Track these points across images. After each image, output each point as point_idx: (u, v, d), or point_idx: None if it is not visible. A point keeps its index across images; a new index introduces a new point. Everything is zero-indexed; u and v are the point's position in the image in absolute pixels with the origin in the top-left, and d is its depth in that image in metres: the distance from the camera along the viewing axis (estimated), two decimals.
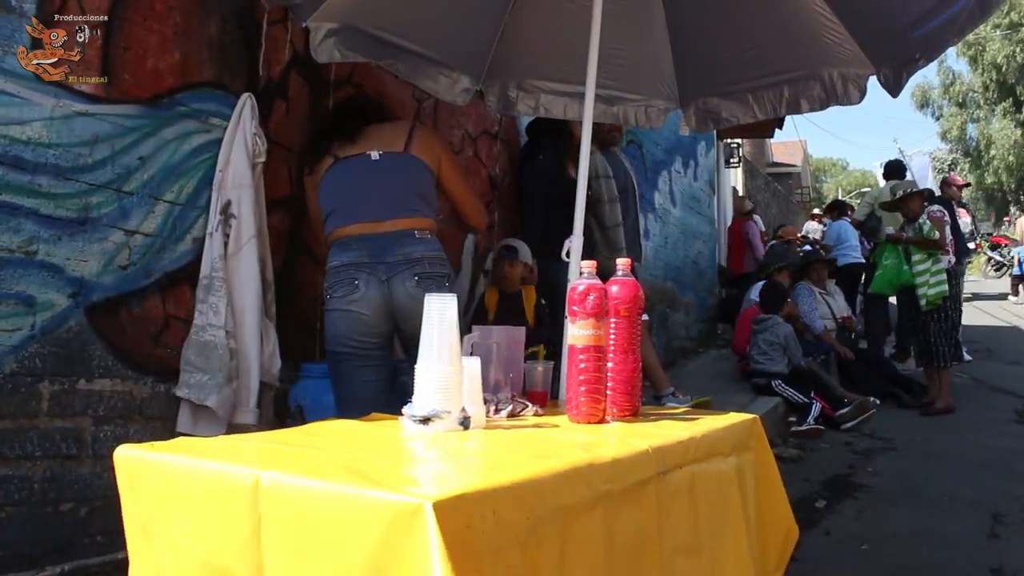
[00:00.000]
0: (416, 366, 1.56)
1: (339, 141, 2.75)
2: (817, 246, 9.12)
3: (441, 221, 2.89)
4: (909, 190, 6.34)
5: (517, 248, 3.93)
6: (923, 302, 5.88)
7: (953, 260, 6.06)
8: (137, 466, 1.27)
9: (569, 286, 1.81)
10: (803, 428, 5.35)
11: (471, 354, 1.74)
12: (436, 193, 2.79)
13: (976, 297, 13.15)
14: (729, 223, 10.65)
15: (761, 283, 6.84)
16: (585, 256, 2.18)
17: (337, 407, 2.62)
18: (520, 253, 3.91)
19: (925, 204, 6.31)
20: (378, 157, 2.68)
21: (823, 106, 3.03)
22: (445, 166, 2.81)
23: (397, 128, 2.80)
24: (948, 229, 6.08)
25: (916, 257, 6.03)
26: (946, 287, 5.86)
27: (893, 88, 2.72)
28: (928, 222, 6.02)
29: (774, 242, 9.11)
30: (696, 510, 1.57)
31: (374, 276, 2.54)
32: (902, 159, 10.09)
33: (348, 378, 2.63)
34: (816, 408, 5.39)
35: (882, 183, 8.77)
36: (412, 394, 1.57)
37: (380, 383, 2.63)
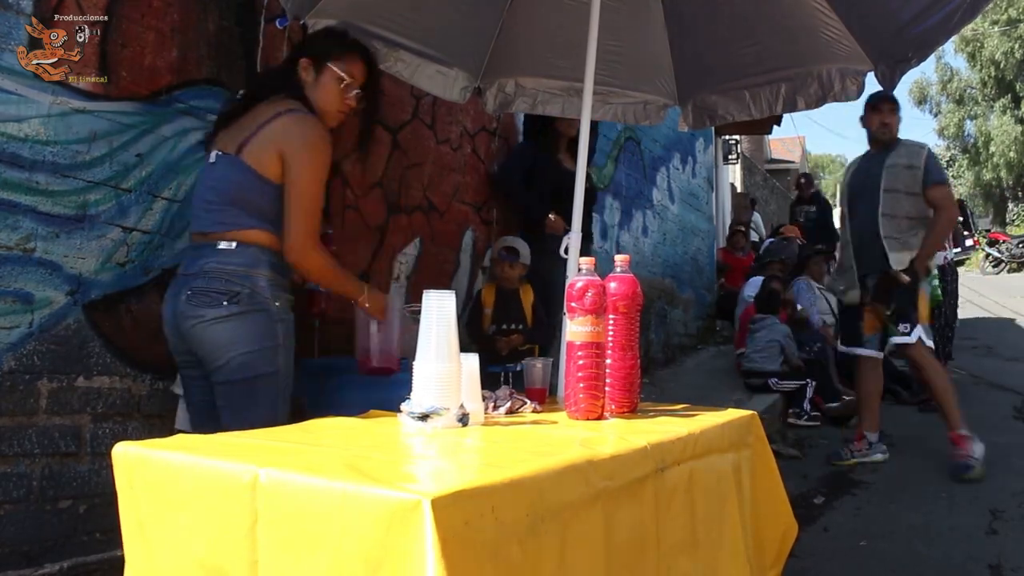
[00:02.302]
0: (415, 363, 1.56)
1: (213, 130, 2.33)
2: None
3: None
4: None
5: (519, 250, 3.95)
6: None
7: (951, 255, 6.06)
8: (135, 463, 1.27)
9: (568, 283, 1.81)
10: (802, 422, 5.36)
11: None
12: (272, 199, 2.15)
13: None
14: (728, 223, 10.61)
15: (756, 279, 6.84)
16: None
17: None
18: (521, 255, 3.93)
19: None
20: (214, 159, 2.21)
21: (820, 103, 3.04)
22: (286, 166, 2.15)
23: (256, 117, 2.19)
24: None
25: None
26: (938, 290, 5.87)
27: (887, 85, 2.73)
28: None
29: (772, 239, 9.10)
30: (694, 506, 1.57)
31: (172, 290, 2.21)
32: None
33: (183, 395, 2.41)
34: (811, 389, 5.44)
35: None
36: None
37: (200, 406, 2.29)
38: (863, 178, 4.32)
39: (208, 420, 2.22)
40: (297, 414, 2.88)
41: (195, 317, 2.10)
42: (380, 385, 2.66)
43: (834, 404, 5.54)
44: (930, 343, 4.21)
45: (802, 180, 10.66)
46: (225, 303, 2.08)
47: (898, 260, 4.09)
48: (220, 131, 2.26)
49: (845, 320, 4.51)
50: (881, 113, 4.23)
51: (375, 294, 2.35)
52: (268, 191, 2.15)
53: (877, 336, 4.29)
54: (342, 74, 2.27)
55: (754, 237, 11.19)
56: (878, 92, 3.79)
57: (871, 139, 4.35)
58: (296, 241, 2.14)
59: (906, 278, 4.05)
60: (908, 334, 4.13)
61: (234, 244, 2.12)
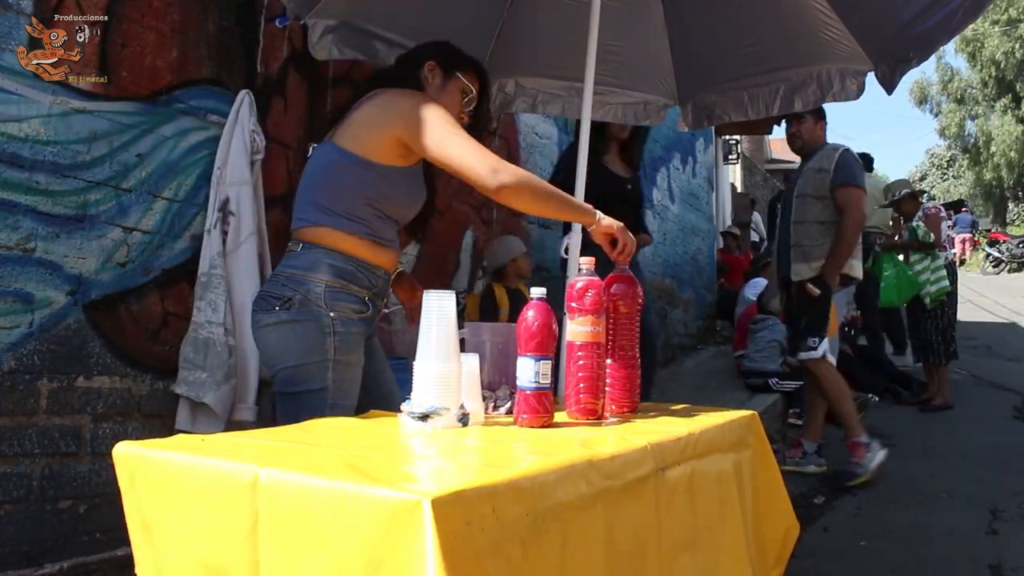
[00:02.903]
0: (414, 363, 1.56)
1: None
2: None
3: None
4: (904, 191, 6.34)
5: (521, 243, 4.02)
6: (927, 301, 5.88)
7: (953, 254, 6.08)
8: (136, 463, 1.27)
9: (568, 283, 1.81)
10: (802, 423, 5.36)
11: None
12: (364, 184, 2.00)
13: None
14: (729, 223, 10.61)
15: (757, 280, 6.84)
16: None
17: None
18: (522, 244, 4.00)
19: (921, 202, 6.33)
20: (311, 152, 2.15)
21: (818, 103, 3.05)
22: (410, 136, 1.96)
23: (358, 104, 2.09)
24: (945, 225, 6.10)
25: (914, 257, 6.03)
26: (947, 283, 5.87)
27: (888, 85, 2.73)
28: (922, 225, 6.03)
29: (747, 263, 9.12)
30: (695, 506, 1.57)
31: None
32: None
33: None
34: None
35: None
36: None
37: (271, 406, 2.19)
38: (788, 187, 4.32)
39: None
40: None
41: (255, 322, 2.01)
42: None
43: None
44: (832, 357, 4.15)
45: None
46: (277, 308, 1.94)
47: (796, 271, 4.01)
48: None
49: (792, 329, 4.38)
50: (789, 123, 4.21)
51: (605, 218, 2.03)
52: (355, 171, 1.98)
53: (836, 339, 4.28)
54: (468, 85, 2.18)
55: (754, 237, 11.21)
56: None
57: (791, 147, 4.35)
58: (483, 181, 1.86)
59: (816, 291, 3.96)
60: (815, 348, 4.05)
61: (299, 246, 2.00)
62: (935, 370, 5.94)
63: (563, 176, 4.36)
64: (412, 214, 2.19)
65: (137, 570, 1.29)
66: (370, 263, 2.01)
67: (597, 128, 4.35)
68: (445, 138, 1.93)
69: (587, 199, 4.36)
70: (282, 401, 1.99)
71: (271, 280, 2.04)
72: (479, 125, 2.28)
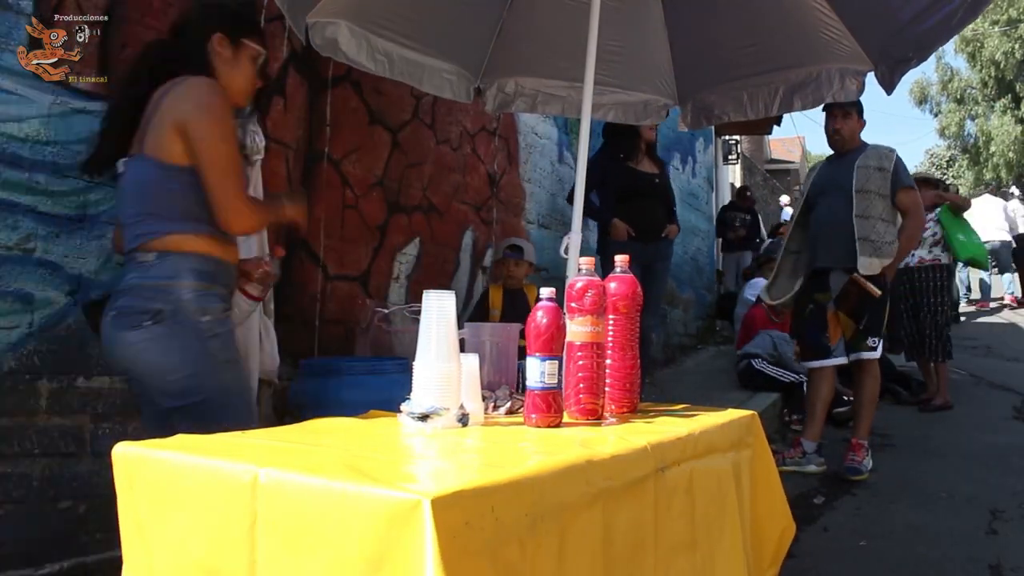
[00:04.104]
0: (414, 363, 1.56)
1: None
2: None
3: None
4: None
5: (523, 248, 3.97)
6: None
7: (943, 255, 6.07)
8: (135, 463, 1.27)
9: (567, 283, 1.81)
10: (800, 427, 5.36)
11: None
12: (183, 187, 1.92)
13: None
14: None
15: (757, 280, 6.83)
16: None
17: None
18: (525, 252, 3.95)
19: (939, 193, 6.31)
20: (123, 168, 2.00)
21: (818, 103, 3.05)
22: (193, 139, 1.90)
23: (154, 105, 1.96)
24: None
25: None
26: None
27: (887, 85, 2.73)
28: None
29: (772, 239, 9.11)
30: (693, 506, 1.57)
31: (105, 310, 1.98)
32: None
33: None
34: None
35: None
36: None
37: (156, 432, 1.86)
38: (828, 179, 4.19)
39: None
40: (297, 414, 2.89)
41: (119, 341, 1.91)
42: (380, 385, 2.67)
43: (842, 409, 5.51)
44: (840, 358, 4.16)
45: (748, 193, 10.75)
46: (147, 323, 1.88)
47: (867, 265, 3.95)
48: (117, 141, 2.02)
49: (806, 333, 4.28)
50: (833, 119, 4.15)
51: (292, 199, 2.19)
52: (177, 178, 1.91)
53: (841, 342, 4.17)
54: (257, 48, 2.10)
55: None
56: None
57: (830, 143, 4.28)
58: (227, 213, 1.92)
59: (877, 291, 3.96)
60: (875, 349, 4.07)
61: (152, 255, 1.91)
62: (935, 369, 5.94)
63: (593, 184, 4.42)
64: None
65: (125, 571, 1.29)
66: (223, 260, 2.00)
67: (630, 131, 4.40)
68: (216, 151, 1.92)
69: (619, 196, 4.48)
70: (188, 416, 1.88)
71: (127, 294, 1.92)
72: (267, 81, 2.25)
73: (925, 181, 6.30)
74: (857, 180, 4.04)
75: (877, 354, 4.10)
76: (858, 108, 4.10)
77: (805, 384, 5.47)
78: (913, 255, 5.95)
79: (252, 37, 2.11)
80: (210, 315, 1.93)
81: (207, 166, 1.90)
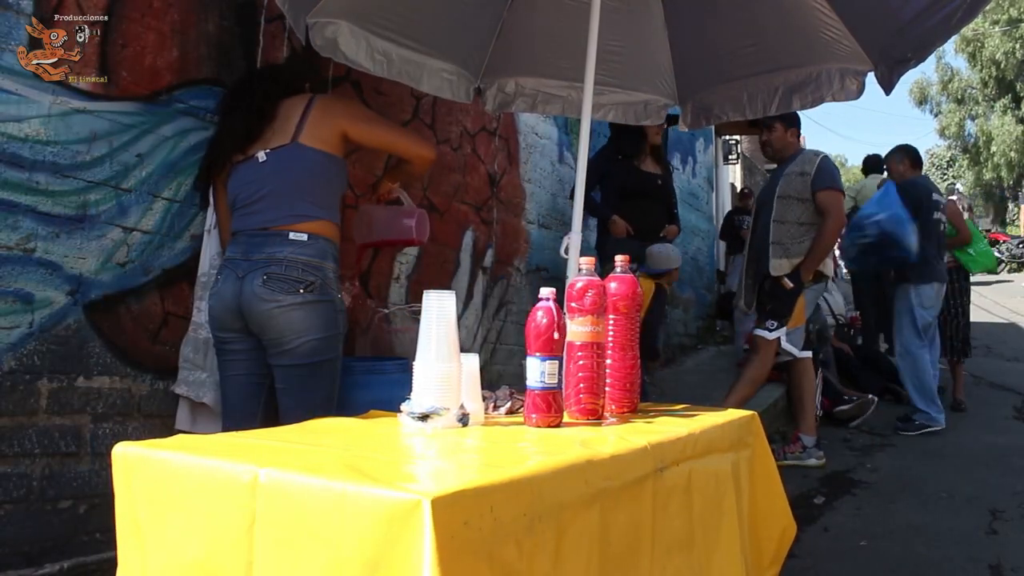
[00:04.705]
0: (414, 363, 1.56)
1: (234, 141, 2.48)
2: None
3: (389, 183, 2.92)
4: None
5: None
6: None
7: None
8: (135, 464, 1.27)
9: (567, 283, 1.82)
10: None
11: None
12: (337, 178, 2.49)
13: None
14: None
15: None
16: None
17: None
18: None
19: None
20: (264, 158, 2.42)
21: (817, 103, 3.05)
22: (354, 130, 2.48)
23: (292, 109, 2.46)
24: (965, 218, 6.15)
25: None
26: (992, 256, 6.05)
27: (886, 85, 2.73)
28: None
29: None
30: (691, 506, 1.57)
31: (234, 272, 2.37)
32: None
33: (220, 371, 2.55)
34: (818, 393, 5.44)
35: (862, 178, 8.81)
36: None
37: (242, 381, 2.46)
38: (766, 190, 4.43)
39: (247, 397, 2.46)
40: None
41: (272, 301, 2.29)
42: (380, 385, 2.67)
43: (845, 407, 5.52)
44: (789, 347, 4.28)
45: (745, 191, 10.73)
46: (301, 291, 2.29)
47: (776, 266, 4.16)
48: (237, 141, 2.46)
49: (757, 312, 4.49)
50: (761, 132, 4.42)
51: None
52: (335, 166, 2.45)
53: (801, 336, 4.36)
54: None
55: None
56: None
57: (763, 154, 4.58)
58: (420, 145, 2.67)
59: (789, 284, 4.14)
60: (771, 331, 4.22)
61: (305, 236, 2.34)
62: (952, 368, 5.98)
63: (594, 180, 4.46)
64: None
65: (120, 572, 1.29)
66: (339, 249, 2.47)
67: (636, 132, 4.43)
68: (384, 124, 2.65)
69: (623, 196, 4.55)
70: (298, 373, 2.34)
71: (281, 264, 2.31)
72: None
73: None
74: (780, 187, 4.27)
75: (770, 336, 4.23)
76: (785, 119, 4.28)
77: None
78: None
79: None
80: (340, 294, 2.43)
81: (385, 132, 2.61)
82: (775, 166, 4.56)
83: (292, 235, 2.34)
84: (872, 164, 8.23)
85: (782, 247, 4.17)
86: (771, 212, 4.23)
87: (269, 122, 2.44)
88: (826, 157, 4.28)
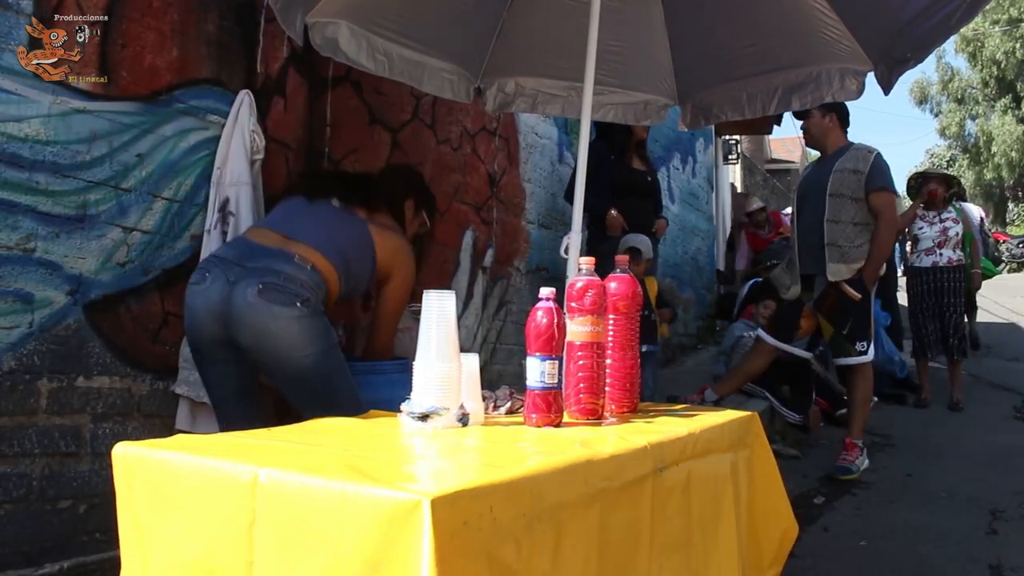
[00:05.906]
0: (415, 363, 1.56)
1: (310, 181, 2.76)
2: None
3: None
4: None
5: (640, 248, 4.28)
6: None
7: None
8: (135, 464, 1.27)
9: (567, 283, 1.82)
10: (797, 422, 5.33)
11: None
12: (364, 269, 2.56)
13: None
14: (728, 224, 10.59)
15: (752, 281, 6.81)
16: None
17: None
18: (643, 253, 4.32)
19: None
20: (338, 206, 2.57)
21: (816, 103, 3.05)
22: (392, 282, 2.63)
23: (375, 216, 2.67)
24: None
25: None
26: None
27: (885, 85, 2.73)
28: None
29: (774, 239, 9.08)
30: (690, 507, 1.57)
31: (224, 274, 2.30)
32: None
33: (204, 382, 2.52)
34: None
35: None
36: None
37: (231, 385, 2.45)
38: (812, 182, 4.25)
39: (238, 405, 2.44)
40: (297, 414, 2.89)
41: (267, 311, 2.24)
42: (380, 385, 2.67)
43: (845, 411, 5.49)
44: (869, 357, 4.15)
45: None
46: (298, 304, 2.26)
47: (834, 271, 3.98)
48: (323, 182, 2.70)
49: (783, 315, 4.39)
50: (801, 118, 4.28)
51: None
52: (368, 267, 2.55)
53: (806, 339, 4.26)
54: (427, 221, 2.96)
55: None
56: None
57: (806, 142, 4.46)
58: (380, 340, 2.72)
59: (857, 295, 3.96)
60: (865, 352, 4.07)
61: (309, 265, 2.34)
62: (950, 368, 5.98)
63: (590, 170, 4.45)
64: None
65: (124, 573, 1.29)
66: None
67: (624, 130, 4.44)
68: (397, 304, 2.70)
69: (614, 193, 4.56)
70: (311, 388, 2.32)
71: (280, 276, 2.28)
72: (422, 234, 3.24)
73: (941, 178, 6.29)
74: (832, 184, 4.07)
75: (868, 357, 4.09)
76: (823, 104, 4.10)
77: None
78: (941, 255, 5.94)
79: (428, 213, 2.94)
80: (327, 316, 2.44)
81: (387, 306, 2.68)
82: (818, 155, 4.38)
83: (297, 259, 2.33)
84: None
85: (839, 250, 3.98)
86: (819, 207, 4.06)
87: (369, 204, 2.65)
88: (879, 154, 4.10)
